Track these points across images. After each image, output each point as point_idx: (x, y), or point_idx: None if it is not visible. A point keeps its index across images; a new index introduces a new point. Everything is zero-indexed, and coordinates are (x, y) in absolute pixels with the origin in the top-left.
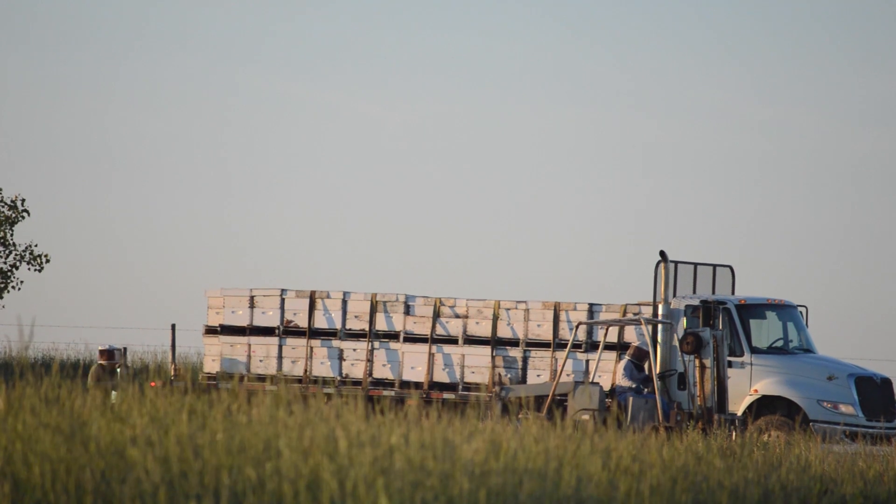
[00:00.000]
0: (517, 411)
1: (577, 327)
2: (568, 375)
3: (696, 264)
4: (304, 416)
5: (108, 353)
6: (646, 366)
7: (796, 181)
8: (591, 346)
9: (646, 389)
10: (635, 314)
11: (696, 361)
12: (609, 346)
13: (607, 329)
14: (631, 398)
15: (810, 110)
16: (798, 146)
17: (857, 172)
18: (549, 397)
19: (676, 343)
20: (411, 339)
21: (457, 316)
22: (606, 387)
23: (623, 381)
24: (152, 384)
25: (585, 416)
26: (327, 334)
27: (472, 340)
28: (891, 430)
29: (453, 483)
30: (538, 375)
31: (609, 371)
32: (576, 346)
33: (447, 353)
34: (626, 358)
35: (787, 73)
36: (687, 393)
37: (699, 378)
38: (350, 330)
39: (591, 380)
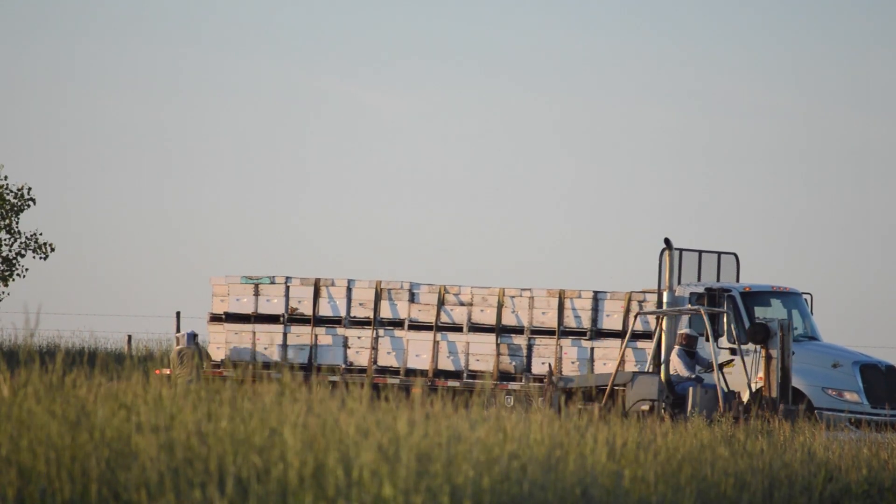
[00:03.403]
0: (574, 401)
1: (636, 317)
2: (621, 363)
3: (700, 252)
4: (309, 403)
5: (189, 337)
6: (696, 351)
7: (801, 168)
8: (596, 333)
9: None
10: (640, 301)
11: (763, 352)
12: (615, 334)
13: (661, 319)
14: (691, 388)
15: (815, 98)
16: (802, 134)
17: (862, 160)
18: (608, 388)
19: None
20: (416, 326)
21: (461, 304)
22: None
23: (682, 371)
24: (157, 372)
25: (645, 407)
26: (332, 322)
27: (476, 328)
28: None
29: (458, 471)
30: (543, 363)
31: (612, 359)
32: (635, 335)
33: (452, 341)
34: (677, 346)
35: (791, 61)
36: (746, 383)
37: (765, 368)
38: (355, 318)
39: (648, 369)
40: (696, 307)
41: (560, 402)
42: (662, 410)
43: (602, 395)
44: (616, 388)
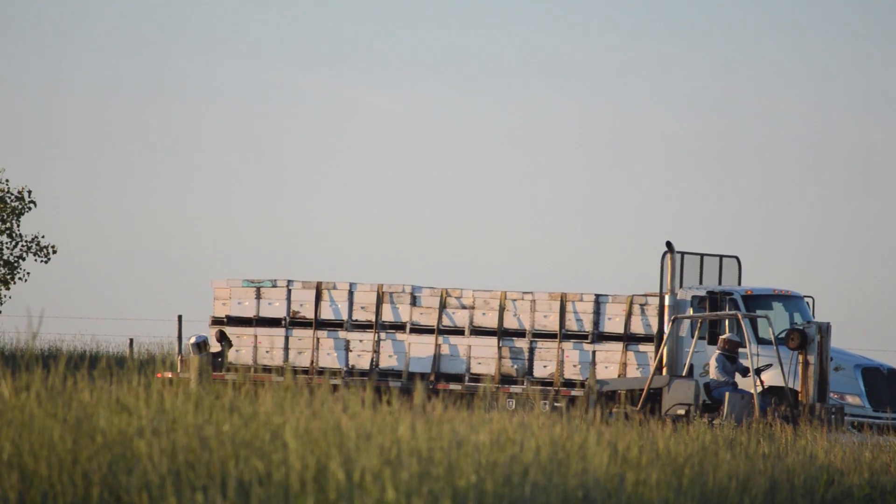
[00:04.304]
0: (612, 405)
1: (673, 321)
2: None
3: (702, 255)
4: (311, 407)
5: (195, 346)
6: (738, 356)
7: (803, 172)
8: (598, 337)
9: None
10: (642, 305)
11: (800, 357)
12: (616, 338)
13: (700, 322)
14: (727, 393)
15: (817, 101)
16: (805, 137)
17: (864, 163)
18: (644, 391)
19: (684, 333)
20: (418, 329)
21: (463, 307)
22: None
23: (717, 375)
24: (159, 375)
25: (681, 411)
26: (334, 325)
27: (478, 331)
28: None
29: (460, 474)
30: (544, 366)
31: (613, 362)
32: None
33: (453, 344)
34: (717, 351)
35: (794, 65)
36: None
37: (802, 374)
38: (356, 321)
39: (683, 373)
40: (733, 312)
41: (597, 405)
42: (696, 414)
43: (638, 398)
44: (652, 391)
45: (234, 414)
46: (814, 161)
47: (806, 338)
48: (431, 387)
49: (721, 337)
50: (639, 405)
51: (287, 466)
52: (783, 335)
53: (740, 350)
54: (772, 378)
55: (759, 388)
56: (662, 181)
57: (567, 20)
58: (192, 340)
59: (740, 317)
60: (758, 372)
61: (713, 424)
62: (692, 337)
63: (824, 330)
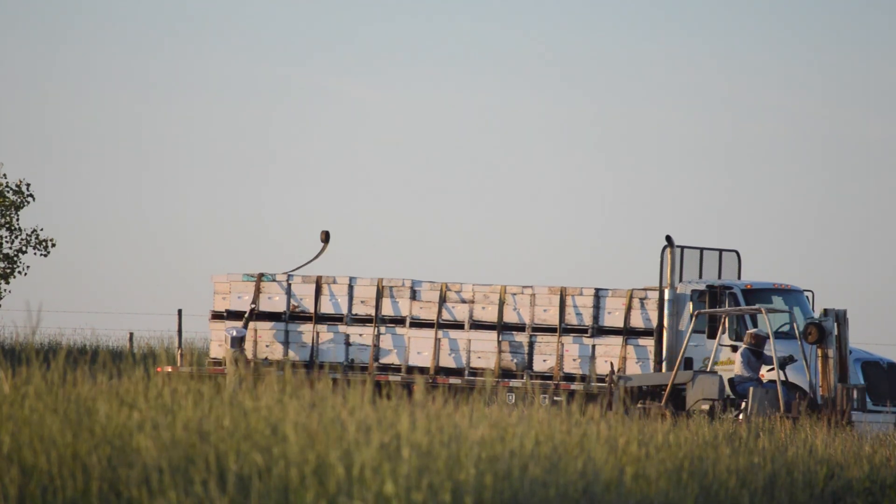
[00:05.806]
0: (635, 401)
1: (695, 316)
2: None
3: (701, 249)
4: (311, 401)
5: (234, 340)
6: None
7: (803, 166)
8: (598, 331)
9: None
10: (641, 299)
11: (819, 352)
12: (615, 331)
13: (724, 318)
14: (751, 388)
15: (818, 96)
16: (805, 131)
17: (865, 157)
18: (668, 387)
19: (683, 328)
20: (417, 324)
21: (463, 301)
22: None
23: (742, 371)
24: (159, 369)
25: (705, 406)
26: (333, 319)
27: (478, 325)
28: None
29: (459, 468)
30: (544, 360)
31: (613, 356)
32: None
33: (453, 339)
34: (743, 346)
35: (792, 59)
36: (808, 381)
37: (822, 368)
38: (356, 315)
39: (708, 368)
40: (756, 306)
41: (622, 401)
42: (721, 410)
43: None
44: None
45: (233, 408)
46: (814, 155)
47: (824, 331)
48: (431, 381)
49: (748, 332)
50: (663, 401)
51: (287, 460)
52: (786, 328)
53: (736, 341)
54: (772, 373)
55: (782, 381)
56: (662, 175)
57: (565, 14)
58: (234, 334)
59: (764, 311)
60: (783, 366)
61: (738, 419)
62: (701, 332)
63: (841, 318)
